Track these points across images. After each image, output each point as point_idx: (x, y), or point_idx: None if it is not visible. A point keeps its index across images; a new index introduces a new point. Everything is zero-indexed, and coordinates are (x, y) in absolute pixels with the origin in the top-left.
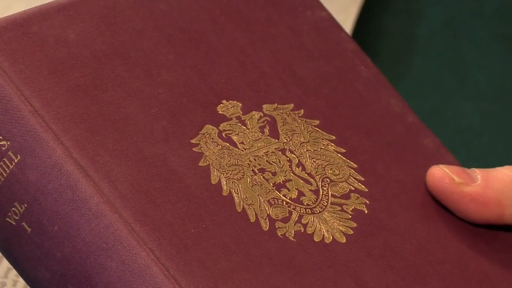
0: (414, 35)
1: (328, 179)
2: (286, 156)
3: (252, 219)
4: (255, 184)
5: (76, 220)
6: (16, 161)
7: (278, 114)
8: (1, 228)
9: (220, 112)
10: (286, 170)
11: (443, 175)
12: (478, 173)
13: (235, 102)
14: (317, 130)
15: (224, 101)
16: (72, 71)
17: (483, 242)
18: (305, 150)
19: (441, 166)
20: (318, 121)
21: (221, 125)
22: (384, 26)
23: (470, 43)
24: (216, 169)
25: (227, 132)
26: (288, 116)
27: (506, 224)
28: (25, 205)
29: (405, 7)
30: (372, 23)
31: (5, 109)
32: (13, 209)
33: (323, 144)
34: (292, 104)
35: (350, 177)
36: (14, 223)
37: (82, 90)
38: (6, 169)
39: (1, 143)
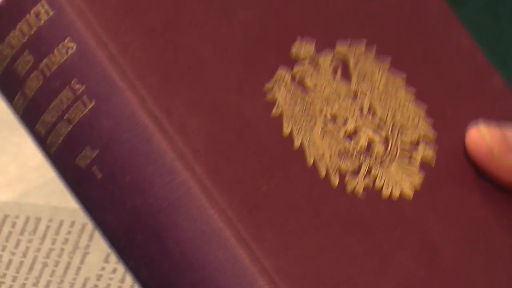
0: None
1: (398, 126)
2: (357, 102)
3: (322, 174)
4: (327, 134)
5: (149, 174)
6: (90, 106)
7: (350, 54)
8: (71, 171)
9: (293, 53)
10: (357, 118)
11: (480, 143)
12: None
13: (308, 41)
14: (389, 70)
15: (298, 40)
16: (149, 11)
17: None
18: (376, 93)
19: (481, 127)
20: (389, 60)
21: (294, 68)
22: None
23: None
24: (288, 119)
25: (300, 76)
26: (361, 55)
27: None
28: (97, 151)
29: None
30: None
31: (82, 52)
32: (84, 152)
33: (394, 85)
34: (365, 42)
35: (420, 122)
36: (84, 167)
37: (158, 32)
38: (79, 113)
39: (76, 86)
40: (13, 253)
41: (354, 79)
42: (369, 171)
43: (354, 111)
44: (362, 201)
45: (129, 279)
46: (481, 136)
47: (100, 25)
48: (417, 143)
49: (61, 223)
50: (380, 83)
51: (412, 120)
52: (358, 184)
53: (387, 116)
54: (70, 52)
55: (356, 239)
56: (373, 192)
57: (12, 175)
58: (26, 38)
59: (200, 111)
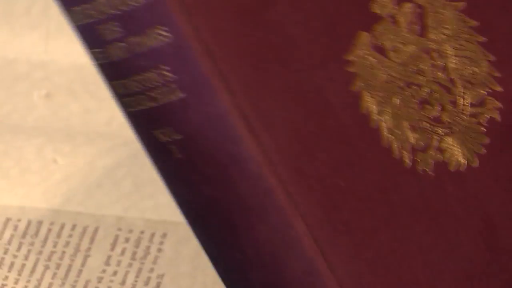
0: None
1: (468, 83)
2: (432, 59)
3: (396, 153)
4: (403, 105)
5: (233, 174)
6: (180, 96)
7: (428, 2)
8: (147, 135)
9: (373, 11)
10: (430, 79)
11: None
12: None
13: None
14: (463, 17)
15: None
16: None
17: None
18: (450, 46)
19: None
20: (464, 4)
21: (374, 29)
22: None
23: None
24: (367, 92)
25: (380, 37)
26: (437, 1)
27: None
28: (180, 136)
29: None
30: None
31: (176, 43)
32: (165, 130)
33: (467, 35)
34: None
35: (488, 75)
36: (163, 141)
37: (248, 10)
38: (166, 98)
39: (166, 73)
40: (15, 256)
41: (430, 31)
42: (438, 143)
43: (428, 72)
44: (431, 179)
45: (129, 281)
46: None
47: (195, 12)
48: (485, 99)
49: (62, 226)
50: (454, 33)
51: (481, 72)
52: (428, 160)
53: (458, 71)
54: (163, 39)
55: (423, 230)
56: (441, 166)
57: (15, 179)
58: (117, 11)
59: (287, 102)
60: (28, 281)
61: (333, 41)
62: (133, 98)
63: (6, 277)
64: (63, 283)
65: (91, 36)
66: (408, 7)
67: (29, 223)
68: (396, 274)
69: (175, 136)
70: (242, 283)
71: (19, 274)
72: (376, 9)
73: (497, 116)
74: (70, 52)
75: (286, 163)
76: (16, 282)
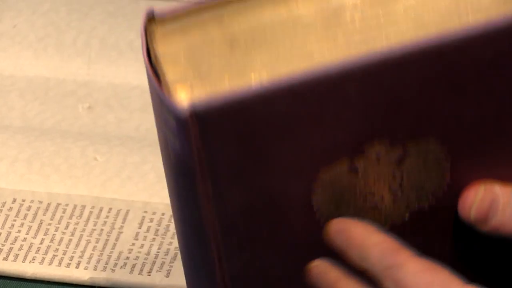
0: None
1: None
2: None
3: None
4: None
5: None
6: None
7: (413, 153)
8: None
9: (364, 150)
10: (389, 206)
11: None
12: None
13: (382, 143)
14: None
15: (372, 140)
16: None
17: None
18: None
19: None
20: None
21: (355, 158)
22: None
23: None
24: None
25: (357, 163)
26: (420, 154)
27: None
28: None
29: None
30: None
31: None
32: None
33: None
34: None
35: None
36: None
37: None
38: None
39: None
40: (63, 233)
41: (406, 191)
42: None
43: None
44: None
45: (153, 252)
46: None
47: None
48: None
49: (101, 210)
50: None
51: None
52: None
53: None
54: None
55: None
56: None
57: (64, 173)
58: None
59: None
60: (74, 252)
61: (318, 159)
62: None
63: (57, 249)
64: (101, 253)
65: None
66: (395, 153)
67: (74, 207)
68: None
69: None
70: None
71: (67, 247)
72: (367, 150)
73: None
74: (107, 74)
75: None
76: (64, 253)
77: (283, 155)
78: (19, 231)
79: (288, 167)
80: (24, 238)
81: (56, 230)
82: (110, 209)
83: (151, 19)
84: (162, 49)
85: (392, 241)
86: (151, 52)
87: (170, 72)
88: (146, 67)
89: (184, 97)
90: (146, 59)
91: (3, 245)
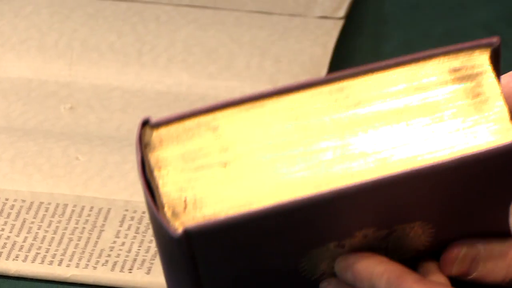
0: (380, 52)
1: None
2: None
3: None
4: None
5: None
6: None
7: (399, 230)
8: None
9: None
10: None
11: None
12: None
13: (370, 229)
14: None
15: (361, 229)
16: None
17: None
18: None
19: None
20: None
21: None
22: (357, 46)
23: None
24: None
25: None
26: (406, 231)
27: None
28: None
29: (373, 31)
30: (348, 43)
31: None
32: None
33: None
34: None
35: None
36: None
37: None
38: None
39: None
40: (46, 231)
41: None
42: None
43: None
44: None
45: (134, 250)
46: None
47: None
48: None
49: (83, 208)
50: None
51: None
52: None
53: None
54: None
55: None
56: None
57: (46, 172)
58: None
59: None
60: (56, 250)
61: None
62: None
63: (40, 247)
64: (83, 251)
65: None
66: (381, 234)
67: (57, 205)
68: None
69: None
70: None
71: (50, 245)
72: (357, 237)
73: None
74: (89, 75)
75: None
76: (47, 251)
77: (271, 251)
78: (2, 230)
79: (275, 257)
80: (8, 236)
81: (39, 228)
82: (92, 207)
83: (146, 126)
84: (156, 157)
85: (396, 268)
86: (146, 166)
87: (163, 186)
88: (142, 183)
89: (177, 223)
90: (141, 173)
91: None
